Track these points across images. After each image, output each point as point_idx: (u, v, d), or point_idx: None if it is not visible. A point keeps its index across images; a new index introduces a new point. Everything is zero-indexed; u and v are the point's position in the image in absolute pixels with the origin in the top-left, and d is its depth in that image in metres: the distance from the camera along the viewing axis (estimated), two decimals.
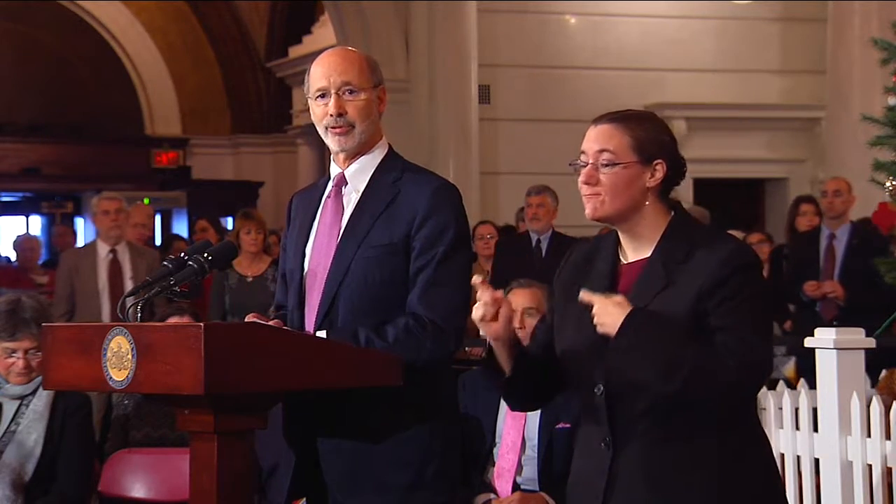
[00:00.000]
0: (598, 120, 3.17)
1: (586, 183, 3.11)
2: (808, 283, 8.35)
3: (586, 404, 3.14)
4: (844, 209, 8.53)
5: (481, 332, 3.17)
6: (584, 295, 3.04)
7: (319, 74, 3.49)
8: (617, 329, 2.98)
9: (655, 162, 3.11)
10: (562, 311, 3.22)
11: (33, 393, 5.04)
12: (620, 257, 3.18)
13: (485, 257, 9.54)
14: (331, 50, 3.57)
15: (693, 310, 3.01)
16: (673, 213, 3.15)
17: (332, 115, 3.47)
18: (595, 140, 3.12)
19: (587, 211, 3.13)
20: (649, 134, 3.13)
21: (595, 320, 3.01)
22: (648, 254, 3.12)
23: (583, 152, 3.14)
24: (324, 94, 3.48)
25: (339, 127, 3.48)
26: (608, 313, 3.00)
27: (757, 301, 3.05)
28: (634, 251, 3.15)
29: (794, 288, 8.45)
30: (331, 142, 3.51)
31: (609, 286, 3.12)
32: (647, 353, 2.97)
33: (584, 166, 3.12)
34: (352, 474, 3.44)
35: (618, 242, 3.19)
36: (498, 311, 3.09)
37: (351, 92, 3.47)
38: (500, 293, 3.11)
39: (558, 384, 3.27)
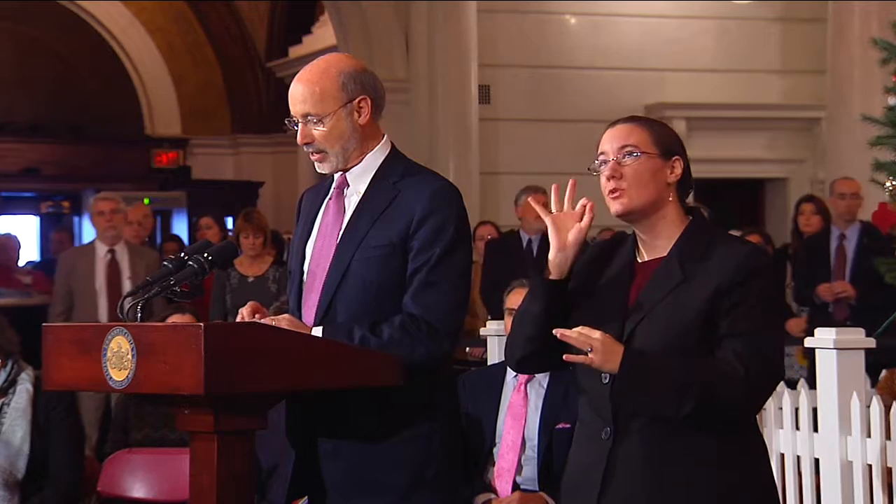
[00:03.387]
0: (613, 123, 3.20)
1: (611, 177, 3.13)
2: (822, 286, 8.34)
3: (590, 394, 3.15)
4: (857, 210, 8.52)
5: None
6: (560, 332, 3.03)
7: (289, 100, 3.51)
8: (618, 368, 3.00)
9: (674, 158, 3.15)
10: (577, 304, 3.23)
11: (13, 391, 5.04)
12: (636, 256, 3.20)
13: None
14: (301, 72, 3.53)
15: (706, 307, 3.03)
16: (691, 218, 3.18)
17: (302, 143, 3.49)
18: (615, 138, 3.16)
19: (615, 208, 3.13)
20: (666, 132, 3.19)
21: (592, 362, 3.01)
22: (665, 253, 3.14)
23: (601, 152, 3.16)
24: (296, 123, 3.50)
25: (313, 153, 3.50)
26: (603, 354, 3.00)
27: (770, 306, 3.09)
28: (651, 250, 3.18)
29: (807, 290, 8.43)
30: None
31: (626, 283, 3.15)
32: (653, 387, 3.00)
33: (604, 165, 3.14)
34: (352, 475, 3.44)
35: (635, 244, 3.21)
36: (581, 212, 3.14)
37: (314, 122, 3.47)
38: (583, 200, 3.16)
39: (553, 349, 3.20)
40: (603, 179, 3.16)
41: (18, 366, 5.10)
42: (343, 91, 3.47)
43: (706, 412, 3.00)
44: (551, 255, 3.17)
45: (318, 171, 3.55)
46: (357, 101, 3.48)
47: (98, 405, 8.10)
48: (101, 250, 8.50)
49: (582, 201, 3.18)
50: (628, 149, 3.13)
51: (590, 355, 3.01)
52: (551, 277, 3.16)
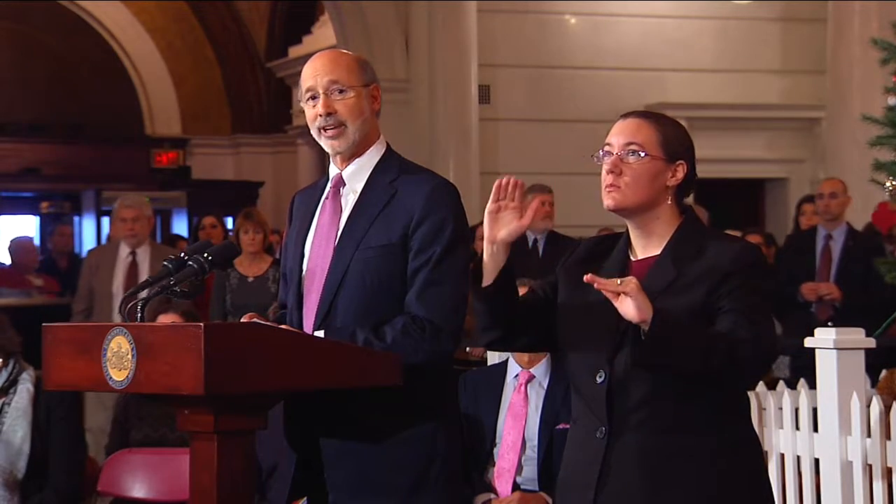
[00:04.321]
0: (626, 115, 3.19)
1: (611, 171, 3.12)
2: (806, 285, 8.33)
3: (585, 393, 3.15)
4: (840, 210, 8.51)
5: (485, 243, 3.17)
6: (599, 283, 2.98)
7: (308, 76, 3.49)
8: (650, 319, 2.93)
9: (678, 162, 3.14)
10: (568, 299, 3.22)
11: (14, 391, 5.05)
12: (630, 255, 3.19)
13: None
14: (319, 52, 3.57)
15: (702, 303, 3.03)
16: (684, 216, 3.17)
17: (321, 115, 3.46)
18: (622, 133, 3.15)
19: (608, 202, 3.13)
20: (675, 134, 3.17)
21: (630, 295, 2.93)
22: (658, 251, 3.13)
23: (607, 144, 3.15)
24: (314, 96, 3.49)
25: (331, 127, 3.47)
26: (639, 298, 2.94)
27: (761, 291, 3.08)
28: (644, 249, 3.18)
29: (790, 289, 8.43)
30: (324, 144, 3.51)
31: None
32: (683, 340, 2.96)
33: (607, 157, 3.14)
34: (353, 477, 3.43)
35: (628, 242, 3.21)
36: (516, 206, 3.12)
37: (339, 91, 3.46)
38: (521, 181, 3.13)
39: (520, 333, 3.27)
40: (603, 171, 3.16)
41: (19, 365, 5.11)
42: (363, 72, 3.50)
43: (728, 370, 2.98)
44: (484, 250, 3.18)
45: (333, 149, 3.50)
46: (372, 87, 3.51)
47: (110, 405, 8.11)
48: (124, 252, 8.52)
49: (533, 205, 3.17)
50: (633, 147, 3.12)
51: (629, 291, 2.92)
52: (483, 284, 3.18)
